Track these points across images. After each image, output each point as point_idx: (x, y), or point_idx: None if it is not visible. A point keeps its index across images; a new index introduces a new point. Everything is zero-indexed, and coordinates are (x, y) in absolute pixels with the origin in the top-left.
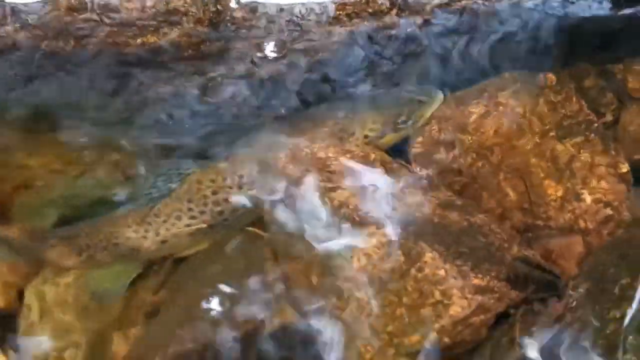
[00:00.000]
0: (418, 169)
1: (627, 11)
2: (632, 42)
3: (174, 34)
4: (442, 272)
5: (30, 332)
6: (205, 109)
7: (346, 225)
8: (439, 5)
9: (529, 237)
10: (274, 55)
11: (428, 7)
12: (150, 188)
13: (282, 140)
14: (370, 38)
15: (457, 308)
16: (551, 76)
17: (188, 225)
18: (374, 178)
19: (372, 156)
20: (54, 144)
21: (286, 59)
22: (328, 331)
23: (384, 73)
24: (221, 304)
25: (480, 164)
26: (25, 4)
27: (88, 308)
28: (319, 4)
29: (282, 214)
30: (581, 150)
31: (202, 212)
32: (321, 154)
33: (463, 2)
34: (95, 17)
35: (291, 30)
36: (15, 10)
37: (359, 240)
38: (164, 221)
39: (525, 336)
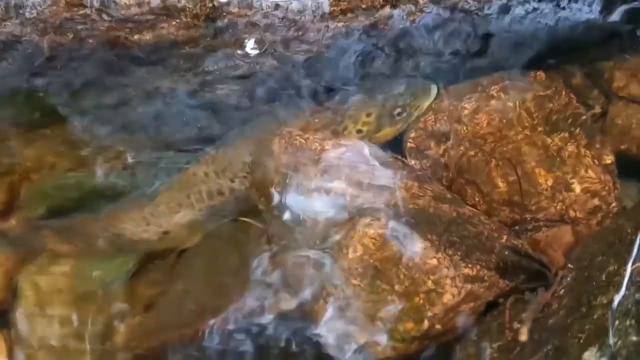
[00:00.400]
0: (412, 162)
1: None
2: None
3: (171, 28)
4: (434, 262)
5: (28, 322)
6: (202, 102)
7: (342, 217)
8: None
9: (518, 227)
10: (268, 50)
11: (421, 2)
12: (151, 180)
13: (277, 132)
14: (364, 33)
15: (449, 296)
16: (541, 74)
17: (186, 215)
18: (369, 170)
19: (366, 149)
20: (51, 137)
21: (281, 53)
22: (324, 318)
23: (379, 67)
24: (217, 293)
25: (472, 153)
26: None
27: (87, 297)
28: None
29: (277, 205)
30: (568, 143)
31: (198, 203)
32: (316, 146)
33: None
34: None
35: (287, 26)
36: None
37: (354, 231)
38: (164, 212)
39: (515, 322)
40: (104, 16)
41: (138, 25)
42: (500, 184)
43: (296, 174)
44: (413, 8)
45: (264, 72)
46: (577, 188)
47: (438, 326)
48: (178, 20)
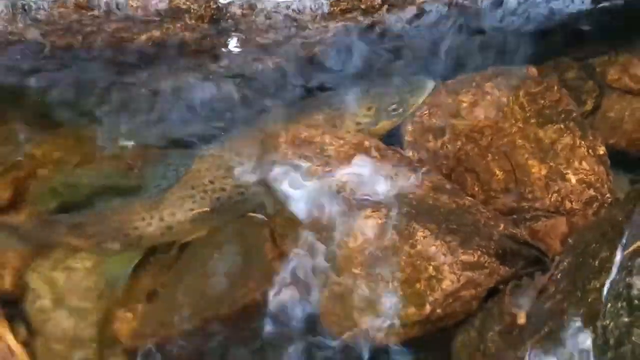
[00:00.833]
0: (410, 154)
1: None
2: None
3: (176, 30)
4: (433, 249)
5: (39, 316)
6: (207, 100)
7: (344, 208)
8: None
9: (516, 216)
10: (270, 49)
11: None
12: (156, 177)
13: (279, 128)
14: (363, 31)
15: (448, 282)
16: (533, 69)
17: (191, 210)
18: (369, 163)
19: (367, 142)
20: (59, 134)
21: (283, 52)
22: (327, 306)
23: (378, 64)
24: (221, 284)
25: (469, 147)
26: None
27: (95, 291)
28: (314, 0)
29: (281, 199)
30: (561, 136)
31: (203, 198)
32: (318, 140)
33: None
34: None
35: (288, 26)
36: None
37: (356, 222)
38: (169, 208)
39: (514, 307)
40: (111, 17)
41: (144, 26)
42: (498, 174)
43: (299, 167)
44: (410, 7)
45: (267, 70)
46: (573, 179)
47: (439, 311)
48: (183, 22)
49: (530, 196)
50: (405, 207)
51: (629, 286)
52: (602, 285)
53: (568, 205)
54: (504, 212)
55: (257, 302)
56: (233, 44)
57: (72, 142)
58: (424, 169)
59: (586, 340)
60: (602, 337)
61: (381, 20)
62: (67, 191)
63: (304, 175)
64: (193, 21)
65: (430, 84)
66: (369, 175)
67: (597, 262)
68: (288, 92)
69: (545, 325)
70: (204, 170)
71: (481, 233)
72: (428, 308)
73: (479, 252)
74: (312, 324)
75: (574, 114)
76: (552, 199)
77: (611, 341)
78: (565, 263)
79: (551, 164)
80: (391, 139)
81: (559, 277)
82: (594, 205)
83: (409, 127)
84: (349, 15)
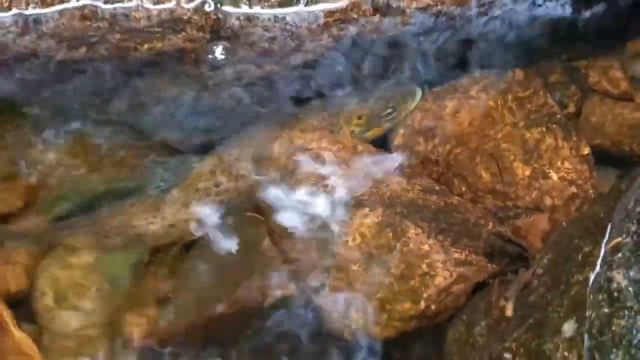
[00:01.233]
0: (401, 157)
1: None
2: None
3: (178, 40)
4: (426, 247)
5: (46, 315)
6: (208, 106)
7: (340, 209)
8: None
9: (501, 215)
10: (268, 58)
11: (408, 11)
12: (160, 179)
13: (276, 133)
14: (356, 40)
15: (441, 278)
16: (519, 72)
17: (192, 210)
18: (363, 166)
19: (360, 147)
20: (67, 142)
21: (280, 61)
22: (326, 302)
23: (370, 72)
24: (226, 282)
25: (457, 151)
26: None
27: (102, 291)
28: (309, 12)
29: (279, 200)
30: (545, 137)
31: (203, 199)
32: (314, 145)
33: (439, 7)
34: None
35: (285, 36)
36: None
37: (352, 222)
38: (172, 207)
39: (500, 301)
40: (116, 28)
41: (148, 36)
42: (484, 175)
43: (297, 171)
44: (400, 17)
45: (265, 78)
46: (555, 177)
47: (433, 306)
48: (184, 33)
49: (513, 195)
50: (397, 207)
51: (609, 280)
52: (586, 278)
53: (549, 201)
54: (492, 211)
55: (257, 302)
56: (231, 53)
57: (79, 149)
58: (412, 172)
59: (569, 331)
60: (585, 327)
61: (373, 29)
62: (75, 196)
63: (302, 177)
64: (194, 31)
65: (418, 92)
66: (363, 178)
67: (580, 257)
68: (285, 100)
69: (531, 317)
70: (206, 172)
71: (469, 231)
72: (423, 304)
73: (467, 251)
74: (312, 322)
75: (558, 116)
76: (533, 196)
77: (593, 331)
78: (546, 258)
79: (535, 165)
80: (382, 143)
81: (542, 271)
82: (577, 202)
83: (400, 131)
84: (342, 25)
